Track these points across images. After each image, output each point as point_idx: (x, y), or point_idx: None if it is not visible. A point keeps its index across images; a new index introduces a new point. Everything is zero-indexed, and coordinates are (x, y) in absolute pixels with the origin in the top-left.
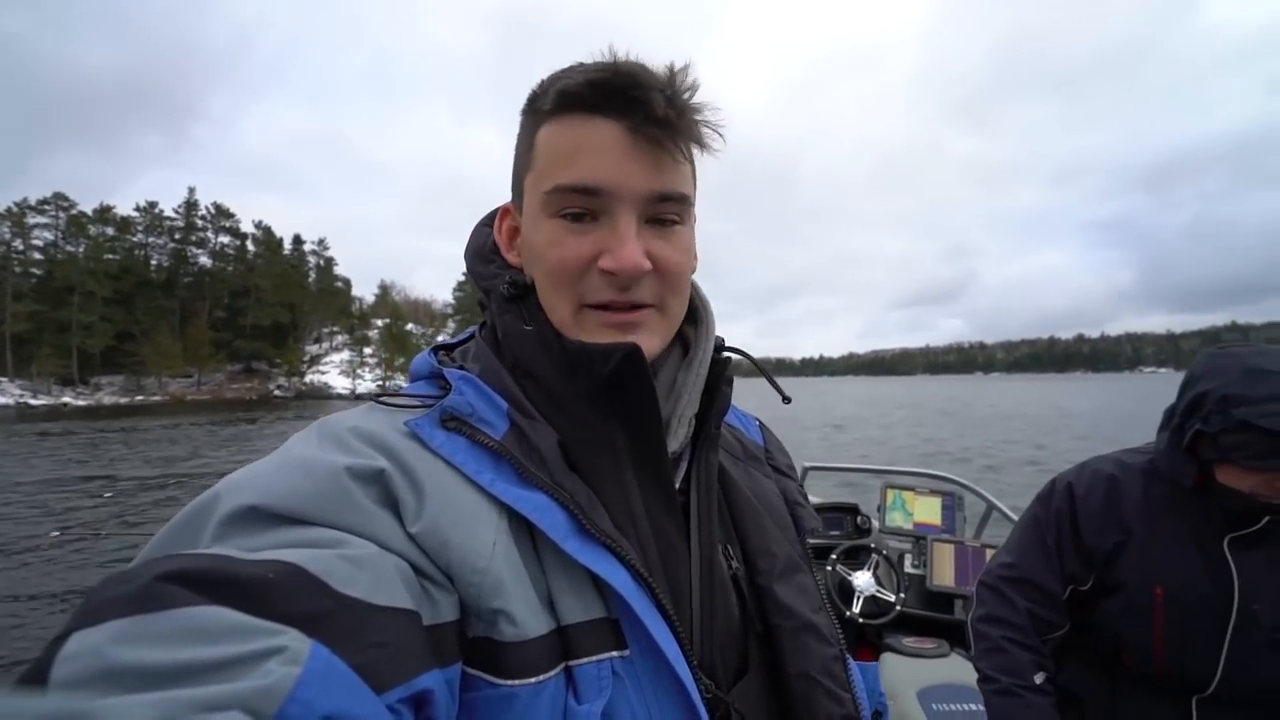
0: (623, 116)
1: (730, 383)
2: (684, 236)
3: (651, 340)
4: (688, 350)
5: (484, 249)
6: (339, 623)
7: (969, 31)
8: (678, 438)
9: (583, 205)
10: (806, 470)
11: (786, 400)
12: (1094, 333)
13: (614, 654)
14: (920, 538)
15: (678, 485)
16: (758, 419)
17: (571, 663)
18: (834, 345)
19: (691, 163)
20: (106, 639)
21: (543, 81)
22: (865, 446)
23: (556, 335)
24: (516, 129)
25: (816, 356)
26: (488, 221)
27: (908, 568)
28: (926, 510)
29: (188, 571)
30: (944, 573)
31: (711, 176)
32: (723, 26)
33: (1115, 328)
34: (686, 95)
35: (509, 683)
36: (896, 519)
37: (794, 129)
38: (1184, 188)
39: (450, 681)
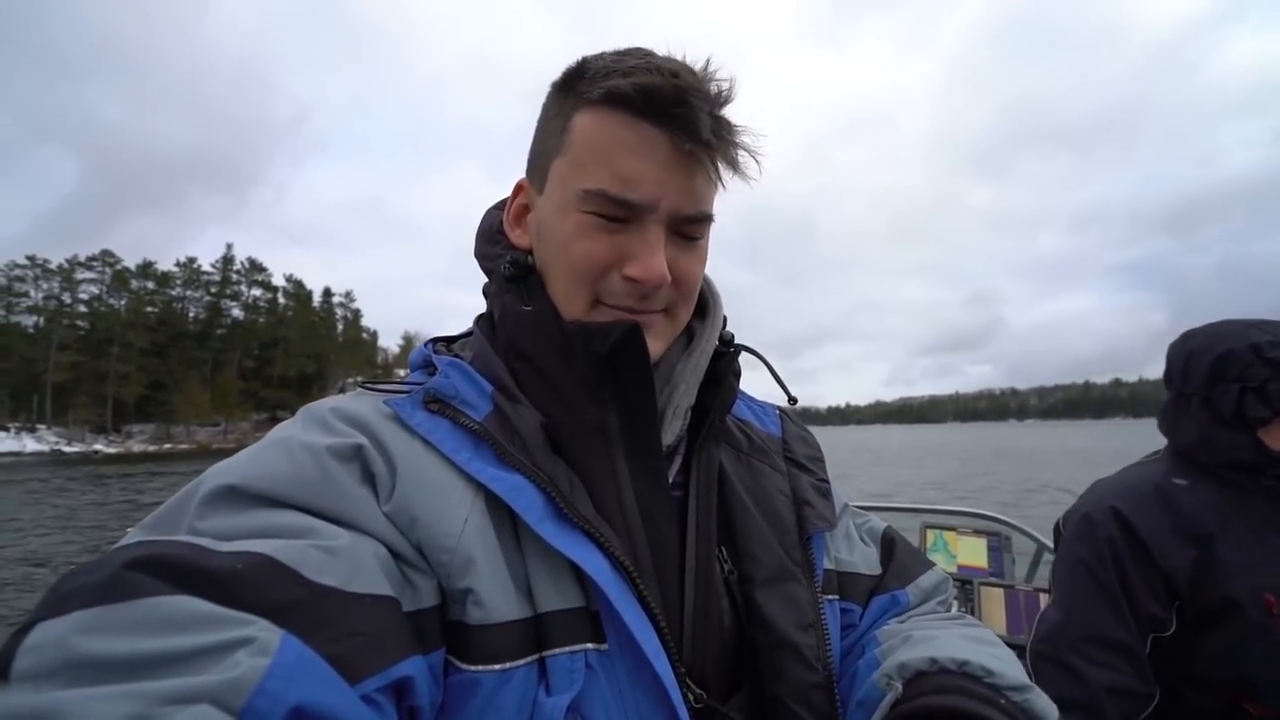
0: (669, 128)
1: (738, 375)
2: (703, 249)
3: (655, 344)
4: (691, 342)
5: (491, 230)
6: (311, 612)
7: (977, 92)
8: (672, 429)
9: (616, 211)
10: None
11: (792, 401)
12: (1131, 377)
13: (589, 645)
14: (966, 581)
15: (672, 479)
16: (779, 408)
17: (546, 653)
18: (860, 393)
19: (720, 178)
20: (72, 629)
21: (587, 61)
22: (897, 486)
23: (555, 316)
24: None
25: (843, 405)
26: (499, 206)
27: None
28: (970, 552)
29: (157, 560)
30: (994, 619)
31: (733, 231)
32: (741, 91)
33: (1153, 371)
34: (728, 113)
35: (472, 668)
36: (938, 561)
37: (812, 184)
38: (1207, 229)
39: (434, 668)
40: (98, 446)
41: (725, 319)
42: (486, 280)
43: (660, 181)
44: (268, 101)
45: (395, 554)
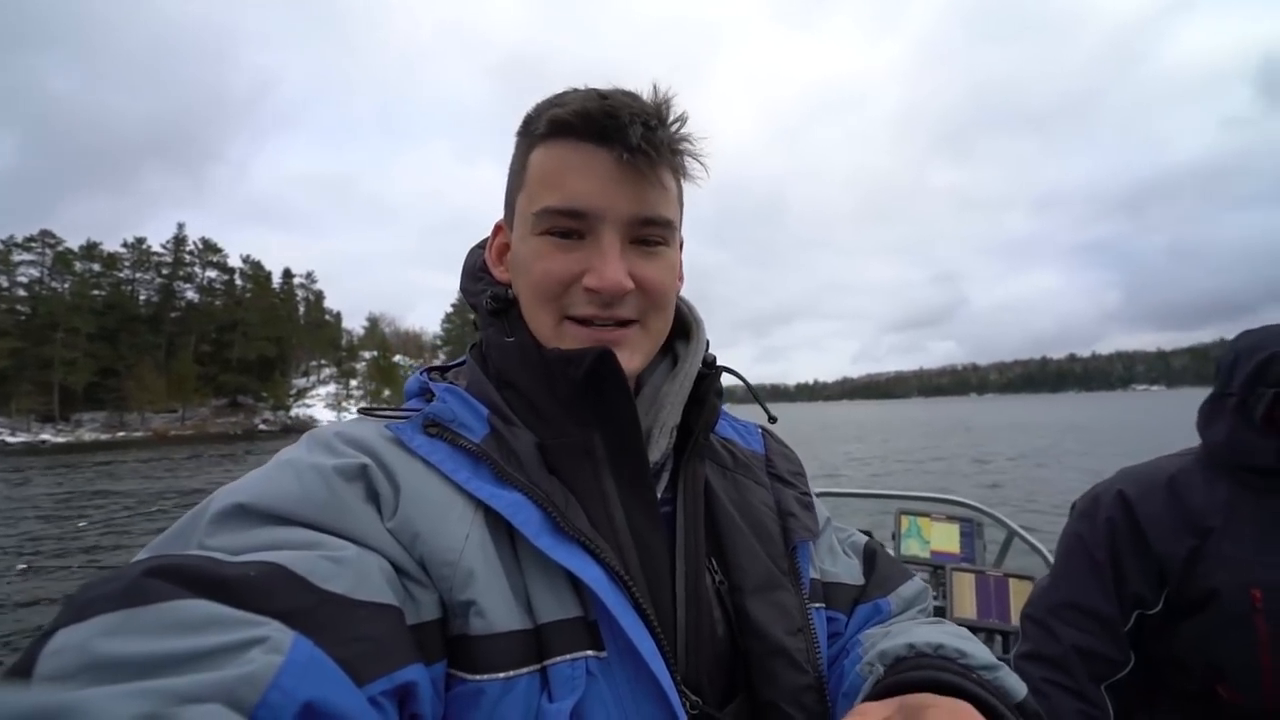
0: (607, 144)
1: (720, 394)
2: (668, 257)
3: (633, 359)
4: (675, 363)
5: (475, 268)
6: (321, 617)
7: (944, 75)
8: (659, 447)
9: (569, 226)
10: (815, 496)
11: (772, 419)
12: (1085, 352)
13: (589, 653)
14: (938, 567)
15: (660, 495)
16: (760, 426)
17: (546, 662)
18: (828, 370)
19: (678, 188)
20: (92, 633)
21: (538, 106)
22: (871, 470)
23: (536, 345)
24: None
25: (811, 381)
26: (482, 245)
27: None
28: (944, 538)
29: (174, 568)
30: (965, 604)
31: (704, 209)
32: (714, 71)
33: (1105, 347)
34: (674, 126)
35: (477, 678)
36: (912, 547)
37: (783, 164)
38: (1158, 211)
39: (436, 679)
40: (45, 436)
41: (708, 342)
42: (474, 313)
43: (604, 192)
44: (227, 75)
45: (398, 569)
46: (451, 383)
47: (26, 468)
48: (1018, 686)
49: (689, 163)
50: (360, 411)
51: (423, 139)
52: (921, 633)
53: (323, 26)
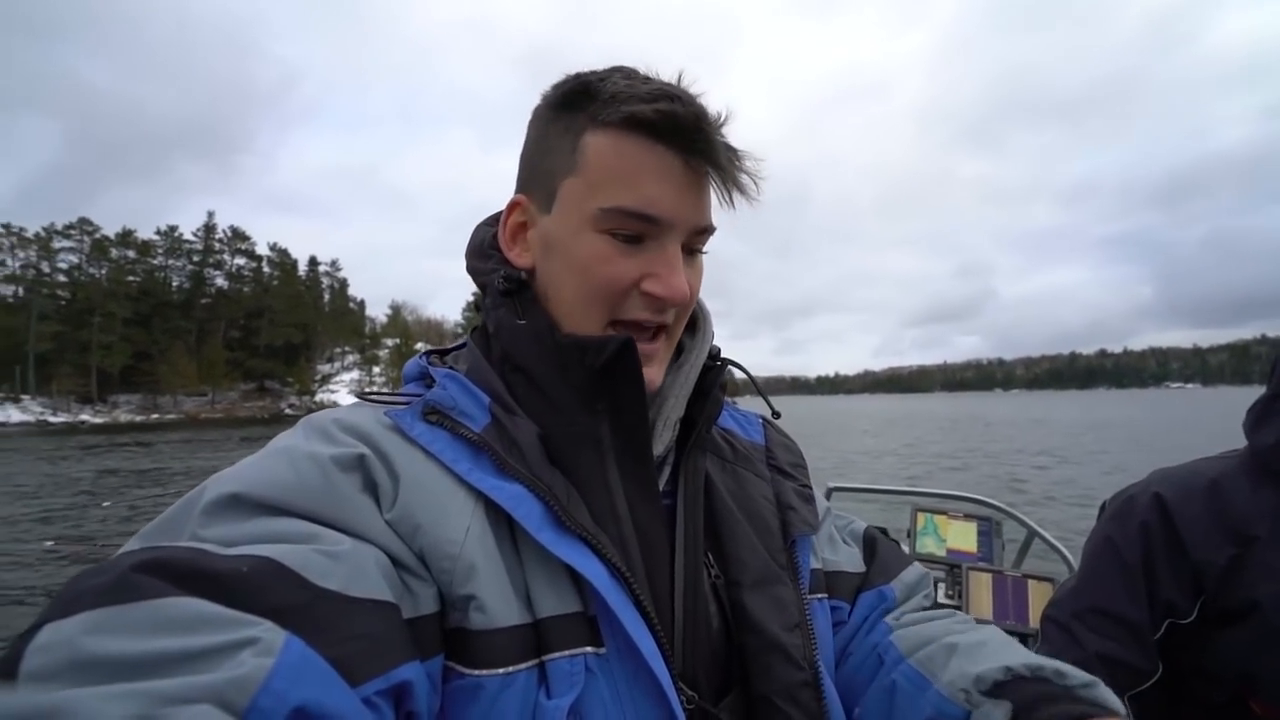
0: (686, 151)
1: (724, 388)
2: (702, 263)
3: (660, 370)
4: (680, 355)
5: (483, 246)
6: (314, 615)
7: (970, 63)
8: (662, 440)
9: (637, 230)
10: (831, 490)
11: (776, 415)
12: (1116, 348)
13: (588, 649)
14: (954, 565)
15: (661, 488)
16: (761, 417)
17: (545, 658)
18: (850, 363)
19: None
20: (79, 630)
21: (590, 82)
22: (887, 465)
23: (550, 329)
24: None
25: (832, 374)
26: (490, 221)
27: (941, 598)
28: (961, 536)
29: (164, 563)
30: (981, 604)
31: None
32: (736, 60)
33: (1137, 343)
34: (724, 128)
35: (476, 672)
36: (928, 544)
37: (804, 154)
38: (1195, 204)
39: (432, 674)
40: (84, 417)
41: (713, 334)
42: (481, 294)
43: (679, 201)
44: (254, 67)
45: (396, 561)
46: (451, 367)
47: (67, 446)
48: (1116, 702)
49: (749, 183)
50: (358, 396)
51: (443, 129)
52: (998, 649)
53: (344, 17)
